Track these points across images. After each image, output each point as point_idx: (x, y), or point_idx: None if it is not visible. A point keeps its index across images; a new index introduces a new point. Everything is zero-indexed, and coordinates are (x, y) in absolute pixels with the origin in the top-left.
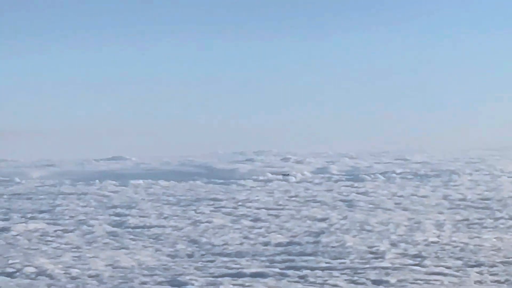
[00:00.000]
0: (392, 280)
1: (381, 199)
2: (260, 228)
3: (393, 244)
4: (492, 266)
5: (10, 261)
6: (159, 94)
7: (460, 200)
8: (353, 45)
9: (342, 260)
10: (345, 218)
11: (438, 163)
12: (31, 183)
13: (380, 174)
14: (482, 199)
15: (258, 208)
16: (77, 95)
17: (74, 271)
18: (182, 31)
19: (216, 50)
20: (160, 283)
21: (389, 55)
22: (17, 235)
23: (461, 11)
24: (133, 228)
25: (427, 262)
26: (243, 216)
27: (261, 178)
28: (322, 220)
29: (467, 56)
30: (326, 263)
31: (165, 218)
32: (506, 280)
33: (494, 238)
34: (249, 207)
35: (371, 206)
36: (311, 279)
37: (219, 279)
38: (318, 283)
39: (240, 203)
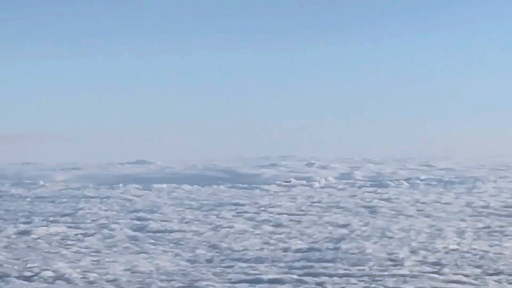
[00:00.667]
0: None
1: (403, 206)
2: (280, 233)
3: (413, 251)
4: (511, 275)
5: (28, 265)
6: (185, 98)
7: (483, 207)
8: (381, 51)
9: (361, 267)
10: (366, 224)
11: (463, 170)
12: (55, 186)
13: (404, 180)
14: (505, 207)
15: (280, 214)
16: (102, 100)
17: (92, 276)
18: (212, 37)
19: (243, 55)
20: None
21: (417, 62)
22: (37, 238)
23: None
24: (154, 232)
25: (445, 270)
26: (265, 222)
27: (285, 183)
28: (344, 226)
29: (500, 62)
30: (345, 269)
31: (186, 222)
32: None
33: None
34: (271, 213)
35: (393, 212)
36: (329, 286)
37: (237, 285)
38: None
39: (262, 208)
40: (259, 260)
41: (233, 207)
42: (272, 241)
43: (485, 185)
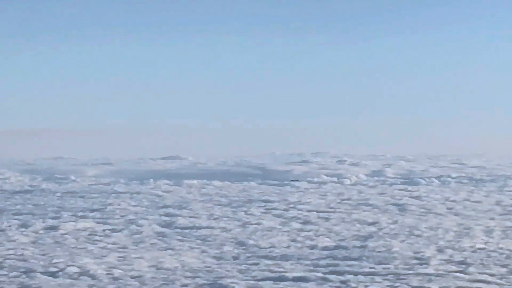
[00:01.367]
0: (434, 287)
1: (433, 204)
2: (308, 231)
3: (440, 250)
4: None
5: (54, 260)
6: (220, 95)
7: None
8: (412, 47)
9: (386, 266)
10: (395, 222)
11: (494, 168)
12: (85, 181)
13: (435, 178)
14: None
15: (309, 211)
16: (138, 95)
17: (117, 272)
18: (240, 31)
19: (274, 52)
20: (201, 286)
21: (449, 58)
22: (65, 233)
23: None
24: (182, 228)
25: (471, 269)
26: (293, 219)
27: (315, 180)
28: (372, 224)
29: None
30: (370, 268)
31: (215, 219)
32: None
33: None
34: (300, 210)
35: (422, 210)
36: (353, 285)
37: (261, 282)
38: None
39: (291, 205)
40: (285, 257)
41: (262, 204)
42: (299, 239)
43: None
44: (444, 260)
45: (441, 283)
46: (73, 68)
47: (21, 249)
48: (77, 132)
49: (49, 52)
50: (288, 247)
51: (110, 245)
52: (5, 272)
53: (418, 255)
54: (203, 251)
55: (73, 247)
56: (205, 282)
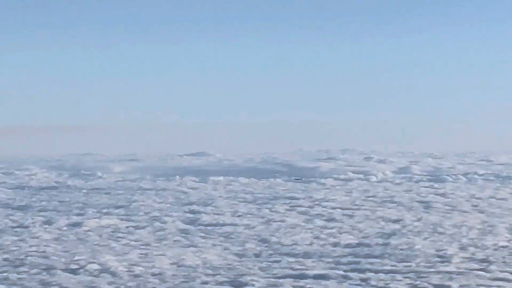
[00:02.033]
0: (454, 285)
1: (458, 201)
2: (332, 228)
3: (462, 248)
4: None
5: (76, 257)
6: (247, 90)
7: None
8: (438, 42)
9: (408, 263)
10: (419, 220)
11: None
12: (112, 177)
13: (462, 175)
14: None
15: (333, 208)
16: (166, 91)
17: (138, 269)
18: (269, 28)
19: (303, 47)
20: (220, 283)
21: (472, 53)
22: (88, 230)
23: None
24: (205, 225)
25: (493, 267)
26: (317, 216)
27: (342, 177)
28: (396, 221)
29: None
30: (391, 266)
31: (238, 216)
32: None
33: None
34: (325, 207)
35: (447, 208)
36: (373, 282)
37: (281, 280)
38: (380, 287)
39: (316, 202)
40: (307, 255)
41: (287, 201)
42: (322, 236)
43: None
44: (466, 258)
45: (462, 282)
46: (96, 63)
47: (44, 246)
48: (106, 128)
49: (72, 48)
50: (310, 244)
51: (132, 242)
52: (26, 269)
53: (440, 253)
54: (225, 248)
55: (95, 244)
56: (225, 279)
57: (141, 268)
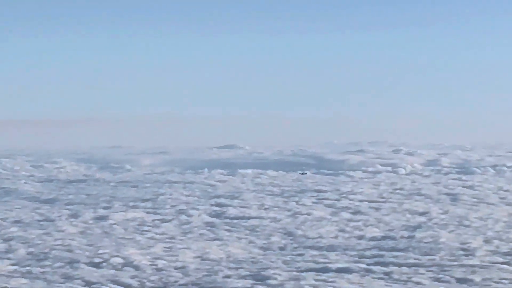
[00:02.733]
0: (477, 279)
1: (486, 193)
2: (358, 221)
3: (487, 241)
4: None
5: (100, 251)
6: (283, 83)
7: None
8: (470, 35)
9: (432, 257)
10: (445, 212)
11: None
12: (140, 170)
13: (491, 167)
14: None
15: (360, 201)
16: (198, 84)
17: (161, 263)
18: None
19: (330, 41)
20: (243, 277)
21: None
22: (114, 224)
23: None
24: (231, 219)
25: None
26: (344, 209)
27: (370, 169)
28: (422, 214)
29: None
30: (415, 259)
31: (265, 209)
32: None
33: None
34: (352, 200)
35: (474, 200)
36: (396, 276)
37: (303, 273)
38: (402, 280)
39: (343, 195)
40: (331, 248)
41: (315, 194)
42: (348, 229)
43: None
44: (490, 251)
45: (485, 275)
46: (127, 57)
47: (69, 239)
48: (137, 121)
49: (102, 40)
50: (335, 237)
51: (157, 236)
52: (50, 263)
53: (465, 246)
54: (250, 242)
55: (120, 238)
56: (248, 273)
57: (164, 262)
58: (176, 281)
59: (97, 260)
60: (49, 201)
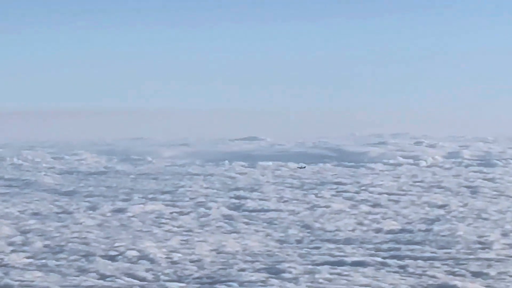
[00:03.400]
0: (492, 273)
1: (506, 186)
2: (376, 214)
3: (504, 234)
4: None
5: (116, 244)
6: (307, 76)
7: None
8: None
9: (448, 250)
10: (465, 205)
11: None
12: (161, 162)
13: None
14: None
15: (380, 193)
16: (218, 78)
17: (177, 256)
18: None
19: (347, 34)
20: (257, 270)
21: None
22: (132, 216)
23: None
24: (249, 211)
25: None
26: (363, 201)
27: (391, 161)
28: (441, 207)
29: None
30: (431, 252)
31: (284, 202)
32: None
33: None
34: (371, 192)
35: (494, 193)
36: (411, 270)
37: (318, 267)
38: (417, 274)
39: (363, 188)
40: (348, 241)
41: (334, 186)
42: (366, 222)
43: None
44: (507, 244)
45: (500, 269)
46: (150, 49)
47: (86, 232)
48: (160, 112)
49: (120, 32)
50: (353, 230)
51: (175, 228)
52: (65, 256)
53: (482, 239)
54: (267, 235)
55: (137, 230)
56: (263, 266)
57: (180, 255)
58: (190, 274)
59: (112, 253)
60: (69, 193)
